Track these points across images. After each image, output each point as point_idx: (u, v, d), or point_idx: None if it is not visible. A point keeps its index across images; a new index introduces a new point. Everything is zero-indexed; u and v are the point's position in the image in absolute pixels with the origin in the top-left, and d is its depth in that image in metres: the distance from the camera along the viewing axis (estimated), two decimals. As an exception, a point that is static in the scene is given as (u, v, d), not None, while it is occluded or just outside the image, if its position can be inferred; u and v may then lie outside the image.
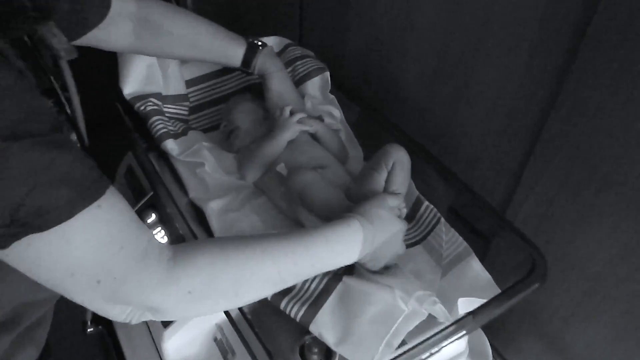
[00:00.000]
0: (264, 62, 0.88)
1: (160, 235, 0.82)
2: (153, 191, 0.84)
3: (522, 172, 0.83)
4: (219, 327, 0.74)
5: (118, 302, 0.50)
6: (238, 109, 0.93)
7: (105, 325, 0.88)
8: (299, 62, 1.01)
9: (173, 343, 0.74)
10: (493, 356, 0.89)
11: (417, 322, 0.66)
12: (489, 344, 0.89)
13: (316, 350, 0.68)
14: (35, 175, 0.43)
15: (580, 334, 0.84)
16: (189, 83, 1.01)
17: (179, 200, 0.79)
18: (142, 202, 0.85)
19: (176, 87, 0.97)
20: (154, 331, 0.76)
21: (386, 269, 0.72)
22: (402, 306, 0.67)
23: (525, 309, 0.93)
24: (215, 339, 0.75)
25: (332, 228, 0.64)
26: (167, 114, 0.93)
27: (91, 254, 0.47)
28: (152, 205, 0.83)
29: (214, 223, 0.78)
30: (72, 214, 0.45)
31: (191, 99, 1.01)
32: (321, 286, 0.69)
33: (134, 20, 0.78)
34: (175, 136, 0.89)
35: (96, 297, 0.49)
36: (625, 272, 0.72)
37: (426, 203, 0.81)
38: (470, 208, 0.81)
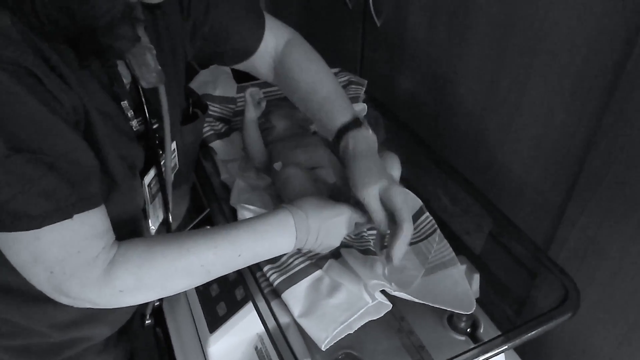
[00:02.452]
0: (360, 144, 0.79)
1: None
2: (209, 208, 0.91)
3: (565, 207, 0.84)
4: (260, 337, 0.79)
5: (62, 293, 0.59)
6: (277, 111, 0.98)
7: (160, 321, 0.95)
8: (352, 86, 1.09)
9: (217, 347, 0.79)
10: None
11: (382, 313, 0.72)
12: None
13: (347, 363, 0.71)
14: (22, 184, 0.52)
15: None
16: (240, 89, 1.08)
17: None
18: (200, 217, 0.93)
19: (226, 89, 1.06)
20: (201, 333, 0.82)
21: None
22: (366, 299, 0.73)
23: (571, 349, 0.92)
24: (256, 348, 0.80)
25: (261, 219, 0.70)
26: (212, 114, 1.02)
27: (53, 250, 0.56)
28: (208, 220, 0.91)
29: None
30: (42, 225, 0.54)
31: (238, 103, 1.07)
32: (302, 266, 0.77)
33: (275, 59, 0.87)
34: (219, 136, 0.98)
35: (47, 285, 0.58)
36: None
37: (427, 214, 0.83)
38: (509, 241, 0.83)
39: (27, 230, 0.54)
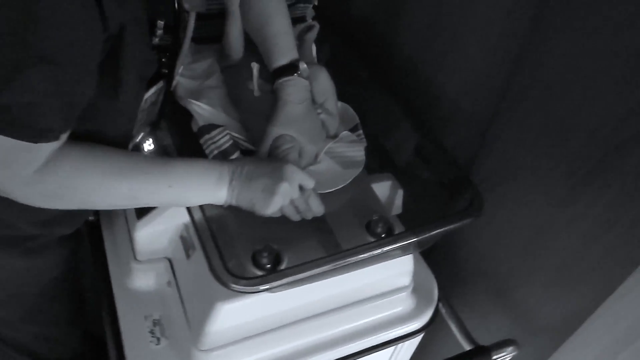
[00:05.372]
0: (289, 92, 0.83)
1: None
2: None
3: (487, 130, 0.89)
4: (186, 226, 0.82)
5: None
6: None
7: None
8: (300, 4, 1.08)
9: (143, 233, 0.82)
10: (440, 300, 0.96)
11: None
12: (436, 284, 0.96)
13: (266, 254, 0.76)
14: (42, 96, 0.52)
15: (522, 284, 0.90)
16: None
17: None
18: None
19: None
20: (130, 221, 0.84)
21: None
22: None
23: (476, 263, 0.99)
24: (181, 236, 0.83)
25: (200, 161, 0.72)
26: None
27: (2, 150, 0.56)
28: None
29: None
30: (37, 141, 0.55)
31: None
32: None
33: None
34: None
35: None
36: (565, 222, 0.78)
37: (360, 130, 0.90)
38: (431, 158, 0.88)
39: (23, 140, 0.54)
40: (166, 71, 0.76)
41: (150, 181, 0.68)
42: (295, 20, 1.08)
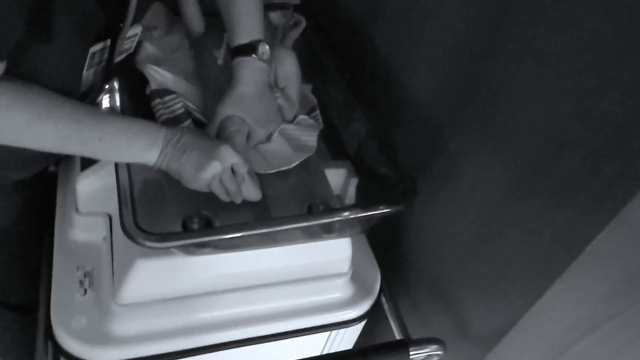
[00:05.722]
0: (242, 73, 0.83)
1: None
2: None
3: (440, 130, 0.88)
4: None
5: None
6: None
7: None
8: None
9: (84, 186, 0.83)
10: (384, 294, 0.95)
11: None
12: (379, 276, 0.96)
13: (196, 220, 0.76)
14: None
15: (460, 288, 0.89)
16: None
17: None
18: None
19: None
20: (76, 173, 0.86)
21: None
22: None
23: (423, 262, 0.98)
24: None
25: (136, 120, 0.72)
26: None
27: None
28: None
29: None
30: None
31: None
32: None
33: None
34: None
35: None
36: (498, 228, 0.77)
37: (317, 111, 0.90)
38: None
39: None
40: (113, 27, 0.75)
41: (80, 130, 0.68)
42: (278, 7, 1.08)
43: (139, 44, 0.90)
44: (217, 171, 0.73)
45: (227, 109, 0.81)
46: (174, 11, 0.99)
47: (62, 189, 0.94)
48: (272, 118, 0.87)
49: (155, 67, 0.87)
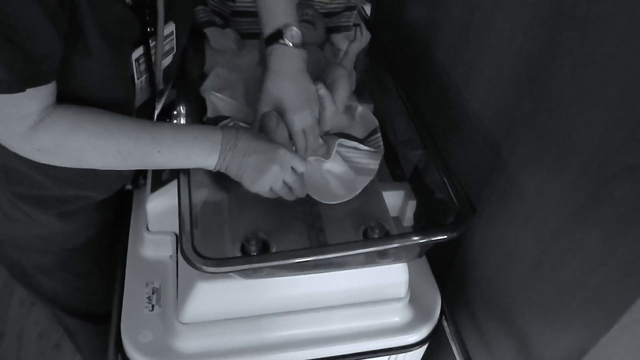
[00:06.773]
0: (272, 61, 0.83)
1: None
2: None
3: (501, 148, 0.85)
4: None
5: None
6: None
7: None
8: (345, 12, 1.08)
9: (154, 206, 0.88)
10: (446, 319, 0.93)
11: None
12: (440, 301, 0.94)
13: (254, 243, 0.78)
14: None
15: (523, 314, 0.85)
16: None
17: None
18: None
19: None
20: (147, 193, 0.91)
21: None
22: None
23: (484, 286, 0.95)
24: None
25: (191, 126, 0.74)
26: (210, 4, 1.03)
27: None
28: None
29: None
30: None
31: (237, 3, 1.05)
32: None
33: None
34: (213, 24, 1.00)
35: None
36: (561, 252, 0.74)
37: (379, 134, 0.89)
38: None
39: None
40: (148, 31, 0.75)
41: (139, 146, 0.71)
42: (340, 29, 1.09)
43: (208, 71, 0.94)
44: (278, 174, 0.75)
45: (262, 106, 0.83)
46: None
47: (137, 209, 1.00)
48: (309, 103, 0.84)
49: (215, 94, 0.91)
